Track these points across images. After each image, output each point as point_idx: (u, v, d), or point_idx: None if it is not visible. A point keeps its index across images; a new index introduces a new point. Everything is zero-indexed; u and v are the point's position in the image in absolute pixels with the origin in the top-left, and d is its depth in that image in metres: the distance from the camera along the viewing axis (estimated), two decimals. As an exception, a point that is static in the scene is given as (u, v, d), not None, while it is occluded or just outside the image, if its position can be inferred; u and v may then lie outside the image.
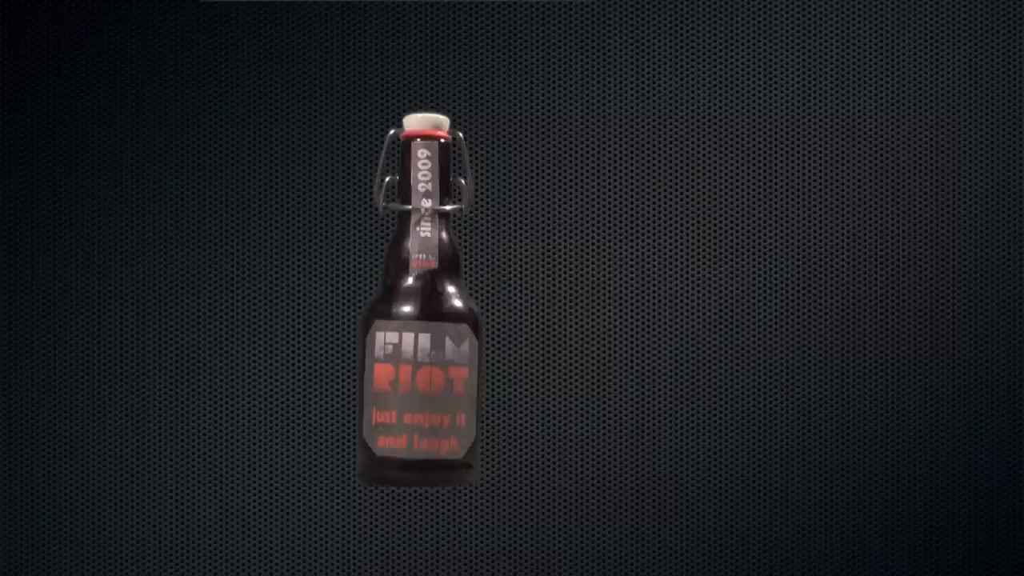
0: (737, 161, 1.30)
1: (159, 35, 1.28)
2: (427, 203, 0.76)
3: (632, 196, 1.30)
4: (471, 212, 1.25)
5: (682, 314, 1.28)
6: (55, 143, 1.28)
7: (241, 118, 1.28)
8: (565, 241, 1.29)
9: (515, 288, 1.28)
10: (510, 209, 1.29)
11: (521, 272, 1.29)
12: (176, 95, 1.28)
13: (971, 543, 1.27)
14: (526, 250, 1.29)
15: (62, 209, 1.28)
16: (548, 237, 1.29)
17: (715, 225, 1.29)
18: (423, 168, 0.72)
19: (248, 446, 1.25)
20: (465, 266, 1.24)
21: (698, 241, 1.29)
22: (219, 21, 1.28)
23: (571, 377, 1.27)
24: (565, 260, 1.29)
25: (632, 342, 1.28)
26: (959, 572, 1.27)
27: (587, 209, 1.29)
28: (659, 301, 1.29)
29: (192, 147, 1.28)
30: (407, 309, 0.77)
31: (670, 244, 1.29)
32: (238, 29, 1.28)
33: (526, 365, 1.26)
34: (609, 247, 1.29)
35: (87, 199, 1.28)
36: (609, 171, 1.29)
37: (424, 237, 0.80)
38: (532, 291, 1.28)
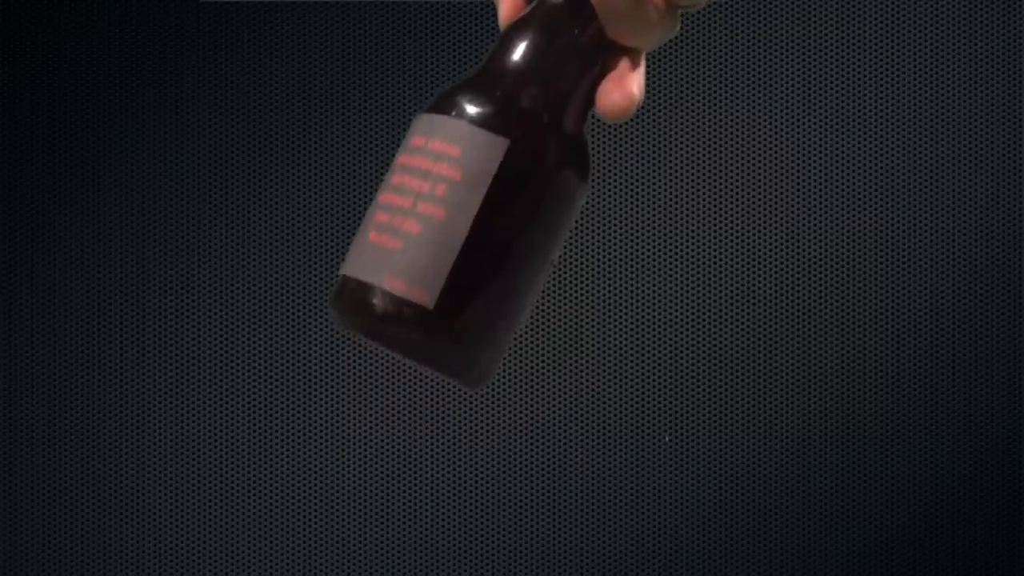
0: (738, 161, 1.30)
1: (159, 35, 1.28)
2: None
3: (632, 195, 1.29)
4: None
5: (682, 314, 1.28)
6: (55, 143, 1.28)
7: (241, 118, 1.28)
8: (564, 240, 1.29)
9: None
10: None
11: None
12: (176, 95, 1.28)
13: (971, 543, 1.27)
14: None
15: (62, 209, 1.28)
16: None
17: (714, 225, 1.29)
18: None
19: (247, 445, 1.25)
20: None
21: (698, 240, 1.29)
22: (219, 21, 1.28)
23: (571, 375, 1.27)
24: (564, 259, 1.29)
25: (632, 341, 1.28)
26: (959, 571, 1.27)
27: (587, 207, 1.29)
28: (659, 300, 1.28)
29: (192, 147, 1.28)
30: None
31: (670, 243, 1.29)
32: (238, 29, 1.28)
33: (526, 364, 1.26)
34: (609, 245, 1.29)
35: (87, 199, 1.28)
36: (609, 170, 1.29)
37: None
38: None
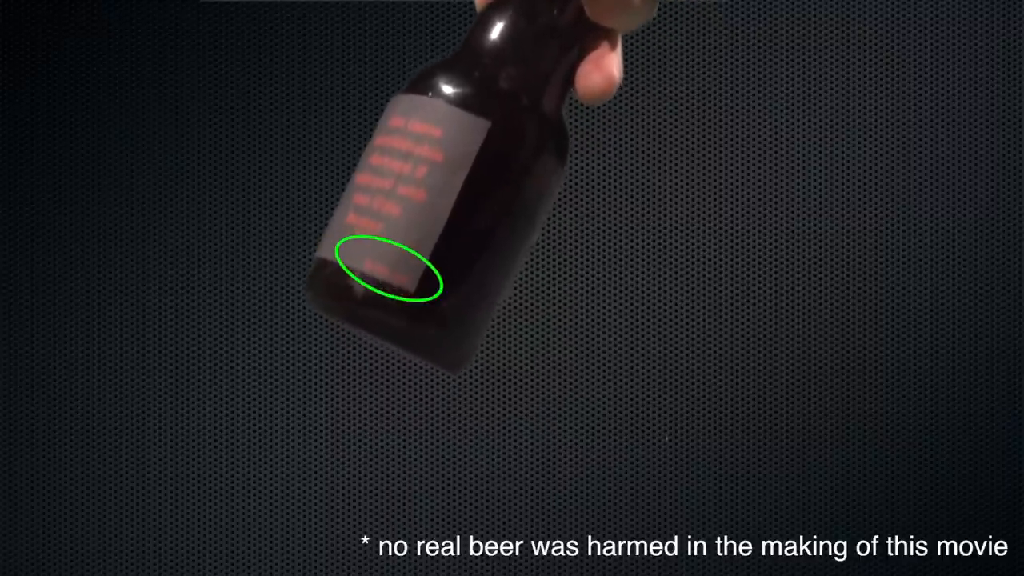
0: (738, 160, 1.30)
1: (159, 35, 1.28)
2: None
3: (636, 194, 1.29)
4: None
5: (684, 314, 1.28)
6: (55, 143, 1.28)
7: (241, 118, 1.28)
8: (561, 241, 1.29)
9: (514, 287, 1.28)
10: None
11: (521, 271, 1.28)
12: (176, 95, 1.28)
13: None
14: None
15: (62, 209, 1.28)
16: (545, 237, 1.29)
17: (714, 224, 1.29)
18: None
19: (247, 445, 1.25)
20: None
21: (698, 240, 1.29)
22: (219, 21, 1.28)
23: (571, 375, 1.27)
24: (561, 260, 1.29)
25: (633, 341, 1.28)
26: (959, 571, 1.26)
27: (593, 207, 1.29)
28: (661, 301, 1.28)
29: (192, 147, 1.28)
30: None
31: (671, 243, 1.29)
32: (238, 29, 1.28)
33: (527, 364, 1.26)
34: (613, 246, 1.29)
35: (87, 199, 1.28)
36: (619, 171, 1.29)
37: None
38: (528, 291, 1.28)
